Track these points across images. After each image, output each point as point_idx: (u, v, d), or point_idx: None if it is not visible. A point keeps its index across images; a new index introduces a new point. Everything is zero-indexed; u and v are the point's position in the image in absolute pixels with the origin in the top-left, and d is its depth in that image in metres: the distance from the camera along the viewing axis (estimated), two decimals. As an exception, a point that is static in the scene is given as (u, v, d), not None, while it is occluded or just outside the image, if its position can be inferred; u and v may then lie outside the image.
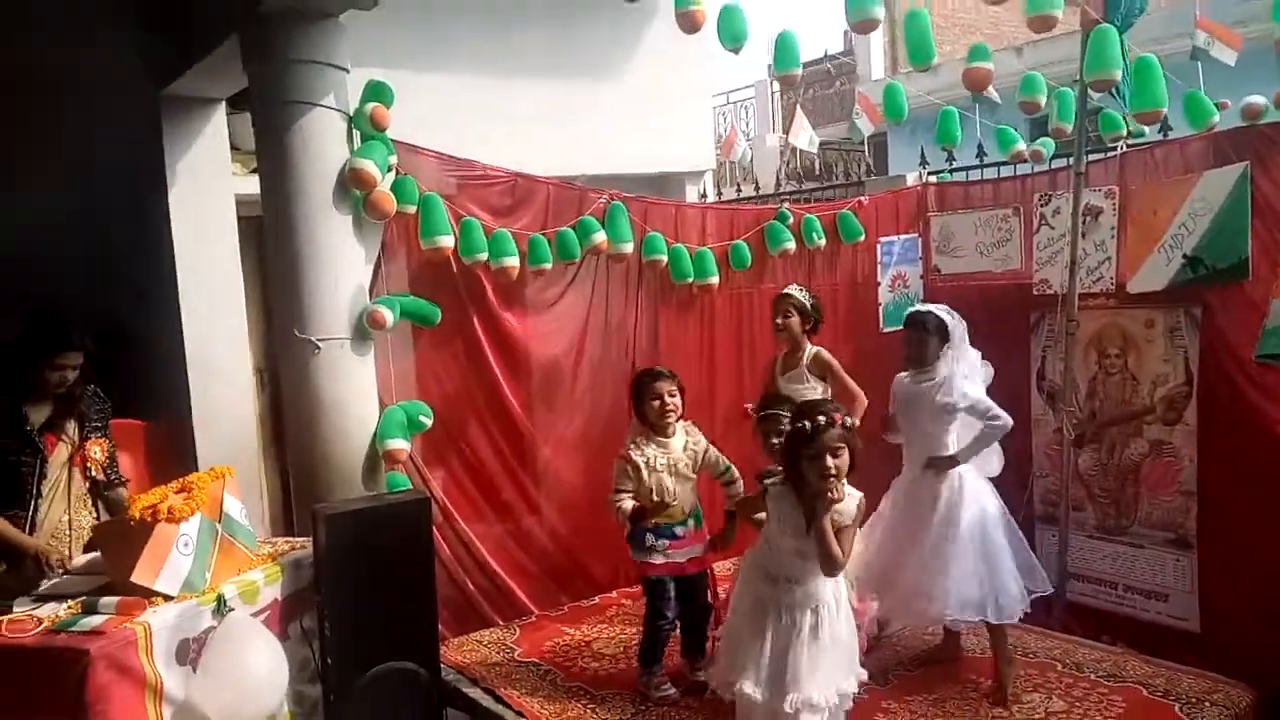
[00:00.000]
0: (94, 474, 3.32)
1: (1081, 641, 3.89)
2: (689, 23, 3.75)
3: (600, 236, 4.39)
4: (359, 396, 3.84)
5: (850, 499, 2.76)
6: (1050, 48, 8.12)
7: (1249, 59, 4.35)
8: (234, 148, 5.12)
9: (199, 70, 4.34)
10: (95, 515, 3.35)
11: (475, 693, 3.52)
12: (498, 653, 3.91)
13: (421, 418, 3.95)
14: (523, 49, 5.93)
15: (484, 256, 4.09)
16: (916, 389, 3.60)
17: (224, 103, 4.90)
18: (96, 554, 2.99)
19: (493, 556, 4.34)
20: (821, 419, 2.68)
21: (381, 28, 4.42)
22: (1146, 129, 4.58)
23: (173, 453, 4.70)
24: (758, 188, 6.44)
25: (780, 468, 2.97)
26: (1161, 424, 4.39)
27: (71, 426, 3.29)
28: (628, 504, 3.47)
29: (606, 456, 4.52)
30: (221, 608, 2.78)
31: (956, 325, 3.56)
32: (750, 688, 2.77)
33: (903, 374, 3.69)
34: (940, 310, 3.60)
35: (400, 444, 3.79)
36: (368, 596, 3.04)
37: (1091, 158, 4.52)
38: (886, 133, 9.40)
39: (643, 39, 6.48)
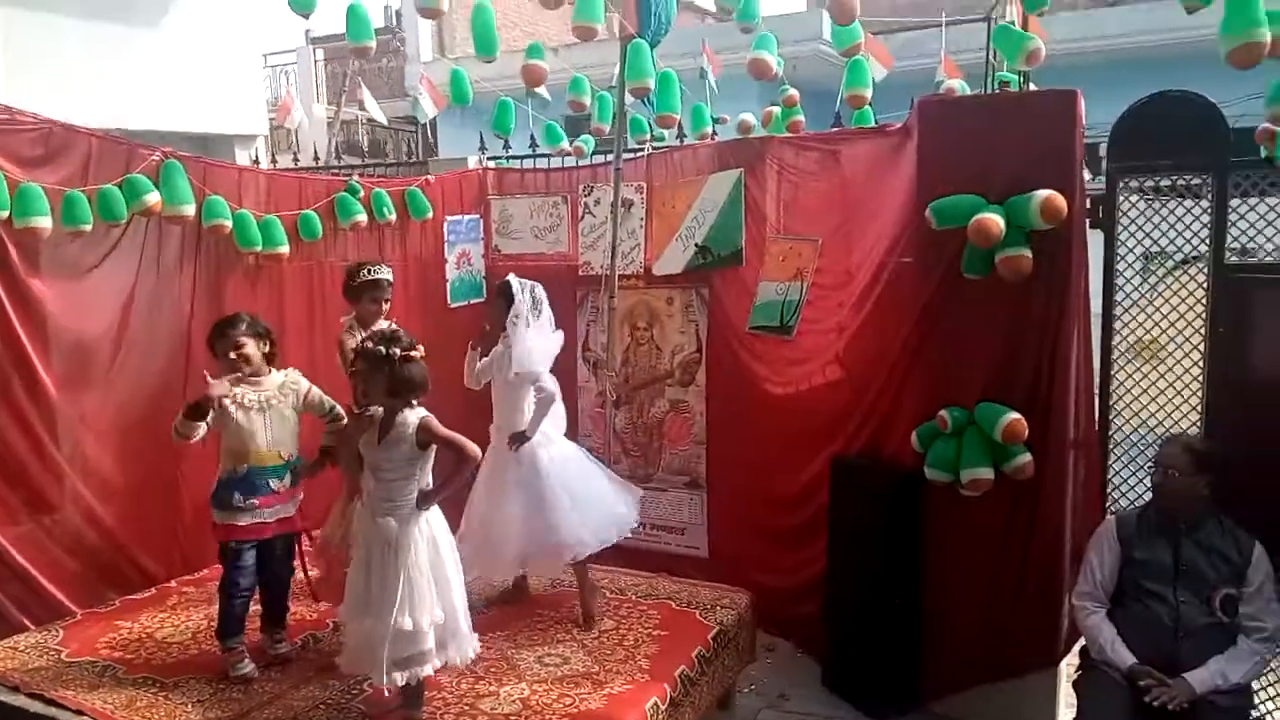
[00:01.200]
0: None
1: (624, 571, 4.48)
2: (260, -18, 3.63)
3: (154, 197, 4.04)
4: None
5: (414, 415, 3.02)
6: (582, 52, 8.94)
7: (738, 82, 5.30)
8: None
9: None
10: None
11: (19, 700, 3.13)
12: (40, 656, 3.48)
13: (-74, 400, 3.36)
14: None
15: (5, 214, 3.59)
16: (494, 357, 3.87)
17: None
18: None
19: (21, 555, 3.84)
20: (371, 344, 3.01)
21: None
22: (665, 133, 5.39)
23: None
24: (317, 158, 6.31)
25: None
26: (679, 386, 5.19)
27: None
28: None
29: (156, 438, 4.21)
30: None
31: (525, 295, 3.80)
32: (344, 614, 3.11)
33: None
34: (513, 279, 3.82)
35: (-102, 432, 3.20)
36: None
37: (625, 156, 5.13)
38: (437, 116, 9.65)
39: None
